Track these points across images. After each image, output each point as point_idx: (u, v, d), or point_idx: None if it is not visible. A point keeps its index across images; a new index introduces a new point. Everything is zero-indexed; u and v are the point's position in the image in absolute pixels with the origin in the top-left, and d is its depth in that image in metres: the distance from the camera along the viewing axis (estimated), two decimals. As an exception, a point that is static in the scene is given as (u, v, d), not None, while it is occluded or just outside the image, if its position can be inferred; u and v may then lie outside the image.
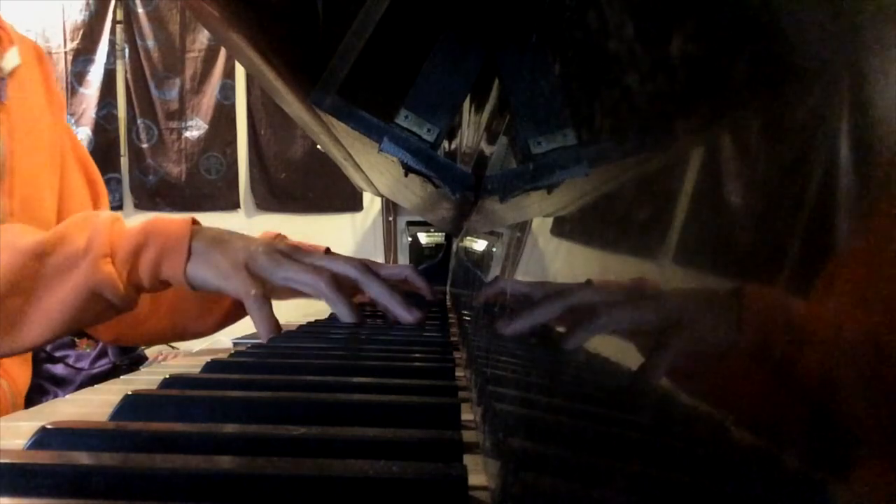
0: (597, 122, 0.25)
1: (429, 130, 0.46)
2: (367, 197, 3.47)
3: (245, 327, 1.00)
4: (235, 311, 0.87)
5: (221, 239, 0.67)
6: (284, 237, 0.79)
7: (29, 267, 0.60)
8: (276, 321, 0.68)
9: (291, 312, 1.09)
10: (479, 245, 0.78)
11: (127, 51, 3.58)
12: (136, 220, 0.71)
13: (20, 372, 0.88)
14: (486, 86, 0.59)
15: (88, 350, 2.01)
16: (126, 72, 3.59)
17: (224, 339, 0.94)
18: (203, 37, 3.52)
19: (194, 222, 0.68)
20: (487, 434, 0.33)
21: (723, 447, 0.13)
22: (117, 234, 0.63)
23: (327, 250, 0.81)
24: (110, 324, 0.82)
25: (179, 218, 0.67)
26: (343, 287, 0.68)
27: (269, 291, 0.67)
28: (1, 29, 0.85)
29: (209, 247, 0.65)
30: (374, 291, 0.68)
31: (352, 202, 3.54)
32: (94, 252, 0.61)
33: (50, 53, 3.55)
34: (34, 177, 0.83)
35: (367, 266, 0.70)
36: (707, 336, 0.14)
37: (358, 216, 3.58)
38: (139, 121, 3.60)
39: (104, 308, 0.63)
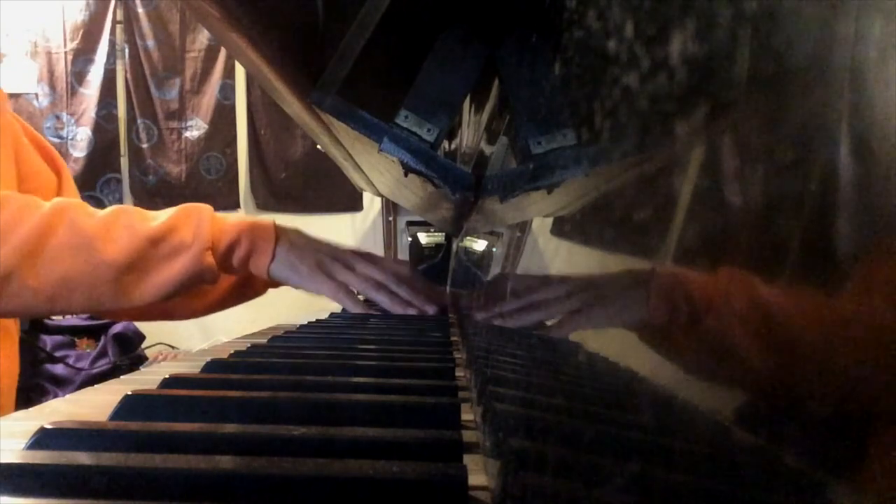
0: (597, 122, 0.25)
1: (429, 130, 0.46)
2: (367, 197, 3.46)
3: (243, 328, 1.00)
4: (231, 297, 0.97)
5: (299, 244, 0.83)
6: (301, 232, 0.93)
7: (145, 250, 0.72)
8: (362, 304, 0.87)
9: (292, 312, 1.09)
10: (479, 245, 0.79)
11: (127, 51, 3.58)
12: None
13: (7, 366, 0.88)
14: (486, 86, 0.59)
15: (88, 350, 2.01)
16: (126, 72, 3.59)
17: (224, 339, 0.94)
18: (203, 37, 3.52)
19: (276, 226, 0.84)
20: (487, 434, 0.33)
21: (722, 447, 0.13)
22: (218, 229, 0.77)
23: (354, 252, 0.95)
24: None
25: (267, 221, 0.83)
26: (384, 287, 0.87)
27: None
28: None
29: (290, 252, 0.82)
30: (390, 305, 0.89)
31: (352, 202, 3.54)
32: (199, 244, 0.75)
33: (50, 53, 3.55)
34: None
35: (384, 282, 0.87)
36: (706, 335, 0.14)
37: (358, 216, 3.58)
38: (139, 121, 3.60)
39: (197, 285, 0.78)
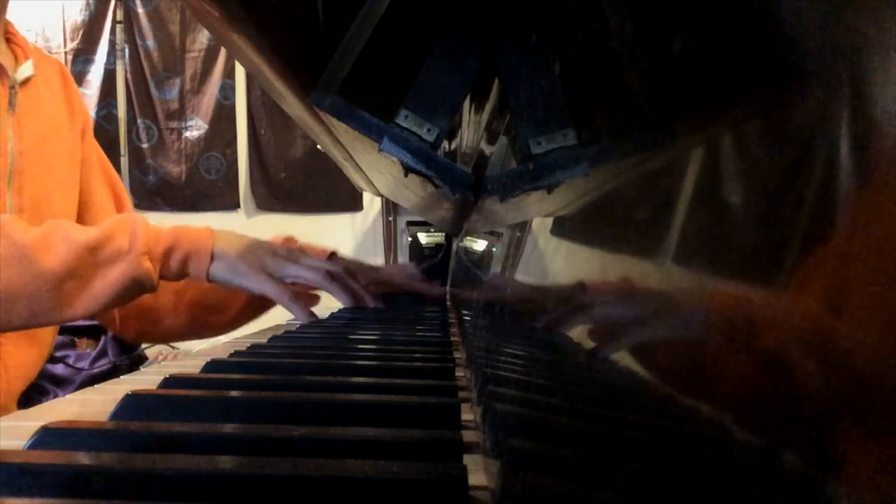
0: (597, 122, 0.25)
1: (429, 130, 0.46)
2: (367, 197, 3.46)
3: (244, 328, 1.00)
4: (249, 309, 1.00)
5: (237, 245, 0.83)
6: (293, 239, 0.95)
7: (83, 258, 0.73)
8: (308, 309, 0.86)
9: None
10: (479, 245, 0.79)
11: (127, 51, 3.58)
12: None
13: (19, 369, 0.89)
14: (486, 86, 0.59)
15: (88, 350, 2.01)
16: (126, 72, 3.59)
17: (224, 339, 0.94)
18: (203, 37, 3.52)
19: (212, 229, 0.84)
20: (487, 434, 0.33)
21: (722, 447, 0.13)
22: (152, 235, 0.78)
23: (332, 254, 0.96)
24: (133, 321, 1.00)
25: (201, 227, 0.84)
26: (340, 278, 0.87)
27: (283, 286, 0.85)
28: (16, 45, 0.92)
29: (228, 252, 0.82)
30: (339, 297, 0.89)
31: (352, 202, 3.54)
32: (136, 250, 0.76)
33: (50, 53, 3.56)
34: (45, 179, 0.90)
35: (338, 273, 0.87)
36: (707, 336, 0.14)
37: (358, 216, 3.58)
38: (139, 121, 3.60)
39: (137, 292, 0.78)
